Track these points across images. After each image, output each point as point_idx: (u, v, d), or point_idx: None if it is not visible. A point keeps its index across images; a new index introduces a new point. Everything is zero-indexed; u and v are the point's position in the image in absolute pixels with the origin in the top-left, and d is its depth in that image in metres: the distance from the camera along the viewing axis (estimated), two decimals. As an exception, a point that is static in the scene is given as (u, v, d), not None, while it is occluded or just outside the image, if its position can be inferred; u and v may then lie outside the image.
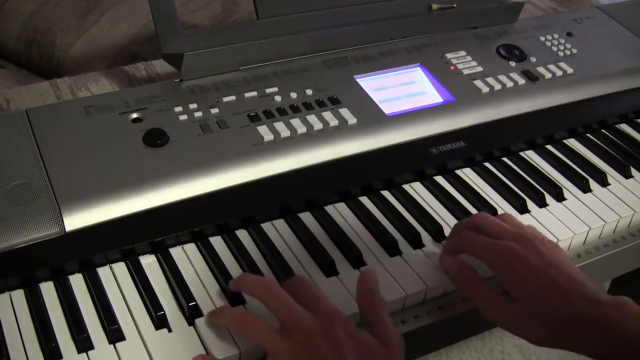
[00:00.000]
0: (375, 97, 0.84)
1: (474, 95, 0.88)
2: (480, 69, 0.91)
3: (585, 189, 0.81)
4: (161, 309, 0.62)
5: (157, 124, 0.75)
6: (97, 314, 0.61)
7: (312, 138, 0.77)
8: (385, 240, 0.71)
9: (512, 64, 0.93)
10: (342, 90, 0.84)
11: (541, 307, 0.60)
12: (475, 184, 0.80)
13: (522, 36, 0.99)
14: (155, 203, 0.68)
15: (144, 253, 0.67)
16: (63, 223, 0.64)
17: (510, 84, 0.90)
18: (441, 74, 0.90)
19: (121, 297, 0.63)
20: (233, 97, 0.80)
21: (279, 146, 0.75)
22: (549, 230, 0.74)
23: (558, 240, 0.73)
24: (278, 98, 0.80)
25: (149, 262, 0.67)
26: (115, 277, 0.65)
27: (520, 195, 0.78)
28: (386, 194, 0.77)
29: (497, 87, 0.89)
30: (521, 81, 0.90)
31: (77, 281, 0.64)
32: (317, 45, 0.89)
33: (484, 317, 0.63)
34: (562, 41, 0.99)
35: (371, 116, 0.81)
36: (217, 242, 0.69)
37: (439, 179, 0.80)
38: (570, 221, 0.76)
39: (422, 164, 0.80)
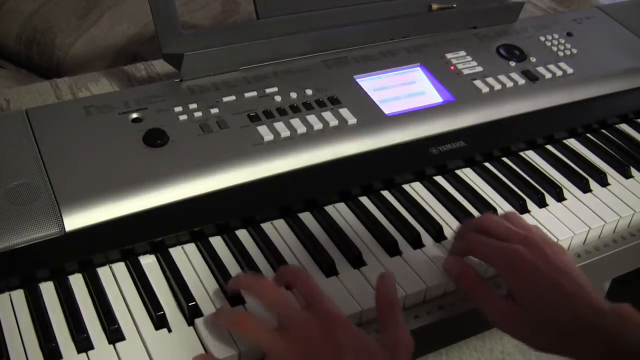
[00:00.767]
0: (375, 97, 0.84)
1: (474, 95, 0.88)
2: (480, 69, 0.91)
3: (585, 189, 0.81)
4: (161, 309, 0.61)
5: (157, 124, 0.75)
6: (97, 314, 0.61)
7: (312, 138, 0.77)
8: (385, 240, 0.71)
9: (512, 64, 0.93)
10: (342, 90, 0.84)
11: (544, 312, 0.60)
12: (475, 184, 0.80)
13: (522, 36, 0.99)
14: (155, 203, 0.68)
15: (144, 253, 0.67)
16: (63, 223, 0.64)
17: (510, 84, 0.90)
18: (441, 74, 0.90)
19: (121, 297, 0.63)
20: (233, 97, 0.80)
21: (279, 146, 0.75)
22: (549, 230, 0.74)
23: (558, 240, 0.73)
24: (278, 98, 0.80)
25: (149, 262, 0.67)
26: (115, 277, 0.65)
27: (520, 195, 0.78)
28: (386, 194, 0.77)
29: (497, 87, 0.89)
30: (521, 81, 0.90)
31: (77, 281, 0.64)
32: (317, 45, 0.89)
33: (486, 319, 0.63)
34: (562, 41, 0.99)
35: (371, 116, 0.81)
36: (217, 242, 0.69)
37: (439, 179, 0.80)
38: (570, 221, 0.76)
39: (422, 164, 0.80)
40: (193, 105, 0.77)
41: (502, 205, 0.78)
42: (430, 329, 0.66)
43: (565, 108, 0.91)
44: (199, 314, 0.62)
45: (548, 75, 0.92)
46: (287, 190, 0.74)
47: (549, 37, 0.99)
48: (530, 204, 0.78)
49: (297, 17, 0.87)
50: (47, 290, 0.63)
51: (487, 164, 0.83)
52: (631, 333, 0.57)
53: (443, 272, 0.67)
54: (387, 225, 0.73)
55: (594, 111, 0.93)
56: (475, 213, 0.76)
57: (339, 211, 0.74)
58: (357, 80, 0.86)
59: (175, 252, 0.68)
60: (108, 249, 0.66)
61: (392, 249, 0.70)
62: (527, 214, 0.77)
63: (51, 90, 0.91)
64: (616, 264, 0.79)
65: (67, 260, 0.64)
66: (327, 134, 0.78)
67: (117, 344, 0.59)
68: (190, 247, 0.69)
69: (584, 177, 0.82)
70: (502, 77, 0.90)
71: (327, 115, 0.79)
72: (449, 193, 0.78)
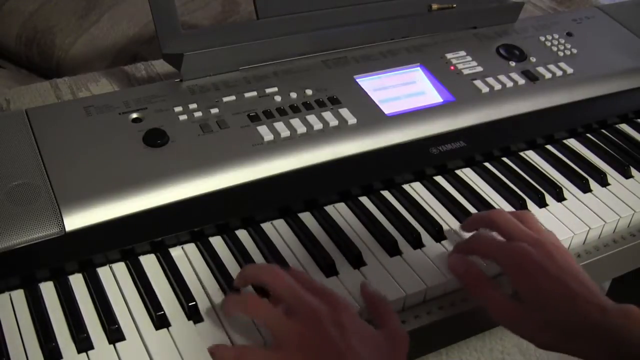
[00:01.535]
0: (375, 97, 0.84)
1: (474, 95, 0.88)
2: (480, 69, 0.91)
3: (585, 189, 0.81)
4: (161, 309, 0.62)
5: (157, 124, 0.75)
6: (97, 314, 0.61)
7: (312, 138, 0.77)
8: (385, 240, 0.71)
9: (512, 64, 0.93)
10: (342, 90, 0.83)
11: (549, 311, 0.60)
12: (475, 184, 0.80)
13: (522, 36, 0.99)
14: (155, 203, 0.68)
15: (144, 253, 0.67)
16: (63, 223, 0.64)
17: (510, 84, 0.90)
18: (441, 74, 0.90)
19: (121, 297, 0.63)
20: (233, 97, 0.80)
21: (279, 146, 0.75)
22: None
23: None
24: (278, 98, 0.80)
25: (149, 262, 0.67)
26: (115, 277, 0.65)
27: (520, 195, 0.78)
28: (386, 194, 0.77)
29: (497, 87, 0.89)
30: (521, 81, 0.90)
31: (77, 281, 0.64)
32: (317, 45, 0.89)
33: (489, 317, 0.63)
34: (562, 41, 0.99)
35: (371, 116, 0.81)
36: (217, 242, 0.69)
37: (439, 179, 0.80)
38: (570, 221, 0.76)
39: (422, 164, 0.80)
40: (193, 105, 0.77)
41: (502, 205, 0.78)
42: (430, 329, 0.66)
43: (565, 108, 0.91)
44: (199, 314, 0.62)
45: (548, 75, 0.92)
46: (287, 190, 0.74)
47: (549, 37, 0.99)
48: (530, 204, 0.78)
49: (297, 17, 0.87)
50: (47, 290, 0.63)
51: (487, 164, 0.83)
52: (636, 332, 0.57)
53: (448, 270, 0.68)
54: (387, 225, 0.73)
55: (594, 111, 0.93)
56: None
57: (339, 211, 0.74)
58: (357, 80, 0.86)
59: (176, 252, 0.68)
60: (108, 249, 0.66)
61: (392, 249, 0.70)
62: (527, 214, 0.77)
63: (51, 90, 0.91)
64: (616, 264, 0.79)
65: (67, 260, 0.64)
66: (327, 134, 0.78)
67: (117, 344, 0.59)
68: (191, 247, 0.69)
69: (584, 177, 0.82)
70: (502, 77, 0.90)
71: (327, 115, 0.79)
72: (449, 193, 0.78)
